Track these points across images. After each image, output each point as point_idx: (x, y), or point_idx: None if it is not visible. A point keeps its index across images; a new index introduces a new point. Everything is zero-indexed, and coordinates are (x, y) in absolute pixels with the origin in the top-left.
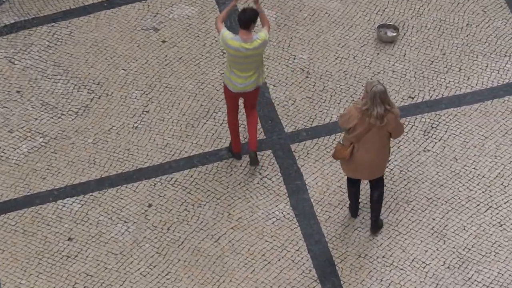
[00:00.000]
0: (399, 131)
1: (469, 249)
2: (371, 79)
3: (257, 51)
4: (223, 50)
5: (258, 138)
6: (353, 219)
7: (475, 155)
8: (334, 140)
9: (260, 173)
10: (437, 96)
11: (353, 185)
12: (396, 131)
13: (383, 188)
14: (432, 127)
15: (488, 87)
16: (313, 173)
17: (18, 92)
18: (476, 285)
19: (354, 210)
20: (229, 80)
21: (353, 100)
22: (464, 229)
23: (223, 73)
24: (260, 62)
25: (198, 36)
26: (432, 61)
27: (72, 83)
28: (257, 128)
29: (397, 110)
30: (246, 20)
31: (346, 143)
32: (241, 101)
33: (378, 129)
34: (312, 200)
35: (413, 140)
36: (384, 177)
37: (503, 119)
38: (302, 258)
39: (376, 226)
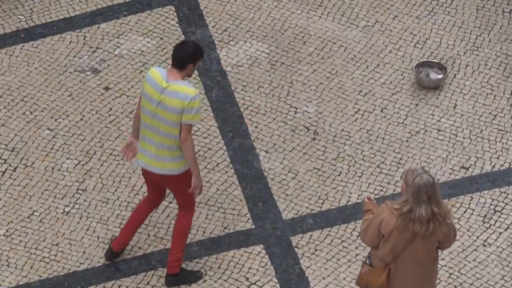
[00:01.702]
0: (453, 239)
1: None
2: (414, 166)
3: (171, 102)
4: None
5: (243, 227)
6: None
7: None
8: (354, 230)
9: (247, 279)
10: (502, 165)
11: None
12: (449, 240)
13: None
14: (496, 211)
15: None
16: (324, 278)
17: None
18: None
19: None
20: (139, 143)
21: (380, 172)
22: None
23: None
24: (172, 133)
25: None
26: (495, 115)
27: None
28: (181, 241)
29: (447, 213)
30: (181, 56)
31: (378, 263)
32: None
33: (423, 239)
34: None
35: (468, 230)
36: None
37: None
38: None
39: None
